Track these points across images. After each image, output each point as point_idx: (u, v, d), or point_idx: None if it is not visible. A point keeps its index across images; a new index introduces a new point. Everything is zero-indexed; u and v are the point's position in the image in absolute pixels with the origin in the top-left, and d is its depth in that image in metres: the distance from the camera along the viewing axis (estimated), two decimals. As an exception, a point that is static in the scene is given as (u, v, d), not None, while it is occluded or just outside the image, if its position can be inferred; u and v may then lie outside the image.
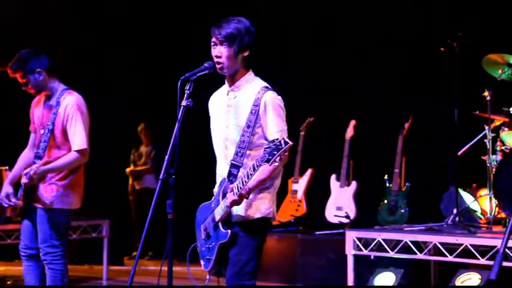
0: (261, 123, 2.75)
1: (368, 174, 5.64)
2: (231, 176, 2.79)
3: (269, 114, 2.76)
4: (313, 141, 6.08)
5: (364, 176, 5.70)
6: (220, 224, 2.80)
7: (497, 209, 4.57)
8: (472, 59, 4.72)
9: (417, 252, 4.36)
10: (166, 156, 2.83)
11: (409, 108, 5.50)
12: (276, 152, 2.55)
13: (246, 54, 2.83)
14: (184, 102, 2.83)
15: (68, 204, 3.68)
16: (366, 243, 4.50)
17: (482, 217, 4.87)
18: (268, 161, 2.57)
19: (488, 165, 4.65)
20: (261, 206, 2.81)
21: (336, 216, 5.79)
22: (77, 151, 3.62)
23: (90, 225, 5.79)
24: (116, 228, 6.05)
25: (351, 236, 4.49)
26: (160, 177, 2.82)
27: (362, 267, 4.72)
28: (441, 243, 4.26)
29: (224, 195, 2.80)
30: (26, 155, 3.79)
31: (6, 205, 3.65)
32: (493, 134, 4.67)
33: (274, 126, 2.75)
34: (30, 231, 3.67)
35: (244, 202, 2.77)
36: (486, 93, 4.62)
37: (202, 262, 2.93)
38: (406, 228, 4.64)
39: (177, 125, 2.85)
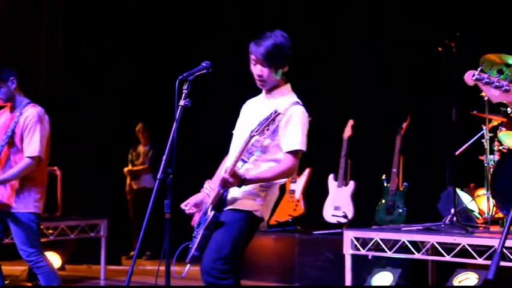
0: (279, 132, 2.84)
1: (366, 174, 5.64)
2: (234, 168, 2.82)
3: (291, 125, 2.85)
4: (311, 140, 6.07)
5: (362, 175, 5.70)
6: (209, 208, 2.84)
7: (494, 208, 4.58)
8: (470, 59, 4.72)
9: (415, 252, 4.35)
10: (164, 156, 2.84)
11: (407, 108, 5.50)
12: (264, 122, 2.70)
13: (285, 69, 2.92)
14: (182, 102, 2.87)
15: (39, 209, 3.89)
16: (364, 243, 4.49)
17: (480, 217, 4.88)
18: (257, 131, 2.70)
19: (485, 165, 4.66)
20: (252, 202, 2.86)
21: (333, 216, 5.79)
22: (30, 157, 3.79)
23: (88, 225, 5.79)
24: (114, 228, 6.03)
25: (349, 235, 4.49)
26: (158, 177, 2.84)
27: (360, 266, 4.71)
28: (439, 243, 4.25)
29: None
30: None
31: None
32: (490, 134, 4.67)
33: (294, 137, 2.85)
34: None
35: (239, 193, 2.81)
36: (484, 93, 4.62)
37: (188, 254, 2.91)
38: (403, 228, 4.64)
39: (175, 125, 2.86)
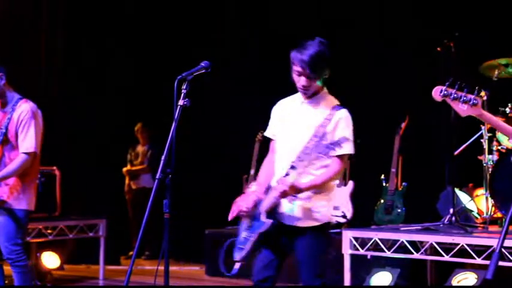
0: (327, 137, 2.91)
1: (365, 173, 5.63)
2: (287, 176, 2.90)
3: (339, 130, 2.93)
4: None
5: (361, 175, 5.69)
6: (263, 214, 2.90)
7: (493, 208, 4.58)
8: (468, 59, 4.72)
9: (414, 252, 4.35)
10: (163, 156, 2.84)
11: (406, 108, 5.49)
12: (335, 147, 2.79)
13: (326, 76, 2.99)
14: (181, 102, 2.89)
15: (28, 206, 3.86)
16: (363, 242, 4.49)
17: (479, 217, 4.87)
18: (326, 154, 2.80)
19: (484, 165, 4.66)
20: (322, 213, 2.97)
21: (332, 215, 5.77)
22: (25, 153, 3.79)
23: (86, 225, 5.78)
24: (113, 227, 6.03)
25: (348, 235, 4.49)
26: (157, 177, 2.84)
27: (359, 266, 4.70)
28: (437, 243, 4.25)
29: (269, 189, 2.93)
30: None
31: None
32: (489, 134, 4.67)
33: (344, 143, 2.88)
34: None
35: (301, 210, 2.90)
36: (482, 93, 4.61)
37: (234, 251, 3.02)
38: (402, 228, 4.63)
39: (173, 125, 2.86)
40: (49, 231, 5.56)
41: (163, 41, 7.13)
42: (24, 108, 3.81)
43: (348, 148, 2.90)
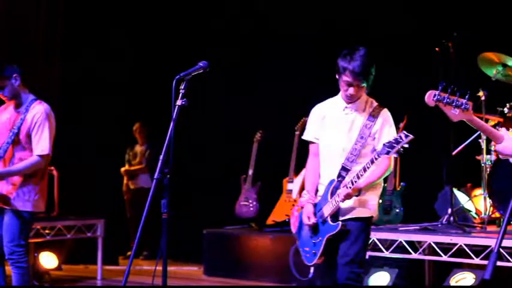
0: (374, 136, 3.10)
1: (363, 173, 5.61)
2: (340, 177, 3.08)
3: (385, 128, 3.13)
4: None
5: (360, 175, 5.67)
6: (329, 218, 3.05)
7: (491, 208, 4.57)
8: (467, 59, 4.71)
9: (412, 252, 4.35)
10: (161, 156, 2.84)
11: (404, 108, 5.48)
12: (396, 145, 2.86)
13: (371, 80, 3.16)
14: (179, 102, 2.90)
15: (34, 207, 3.84)
16: (361, 242, 4.48)
17: (477, 217, 4.86)
18: (388, 153, 2.87)
19: (482, 165, 4.65)
20: (370, 205, 3.12)
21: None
22: (39, 155, 3.78)
23: (84, 225, 5.76)
24: (111, 227, 6.01)
25: (346, 235, 4.47)
26: (155, 177, 2.84)
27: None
28: (436, 243, 4.25)
29: (332, 194, 3.06)
30: None
31: None
32: None
33: (389, 139, 3.03)
34: None
35: (355, 202, 3.07)
36: (481, 93, 4.62)
37: (304, 258, 3.18)
38: (400, 228, 4.63)
39: (171, 125, 2.86)
40: (47, 231, 5.54)
41: (161, 40, 7.11)
42: (38, 109, 3.80)
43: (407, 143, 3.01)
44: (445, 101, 2.61)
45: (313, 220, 3.11)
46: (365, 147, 3.06)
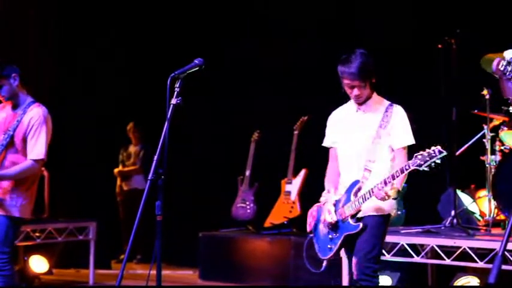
0: (389, 133, 3.18)
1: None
2: (363, 179, 3.16)
3: (400, 125, 3.21)
4: (307, 140, 5.98)
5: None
6: (349, 217, 3.15)
7: (496, 210, 4.53)
8: (470, 56, 4.63)
9: (414, 255, 4.32)
10: (155, 156, 2.81)
11: (406, 107, 5.40)
12: (428, 159, 2.93)
13: (374, 81, 3.24)
14: (173, 101, 2.89)
15: (21, 213, 3.74)
16: (362, 245, 4.41)
17: (481, 219, 4.84)
18: (419, 165, 2.94)
19: (487, 165, 4.62)
20: (388, 204, 3.19)
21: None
22: (34, 160, 3.71)
23: (76, 228, 5.71)
24: (103, 230, 5.95)
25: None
26: (149, 178, 2.82)
27: (357, 270, 4.63)
28: (439, 246, 4.22)
29: (356, 194, 3.14)
30: None
31: None
32: (492, 134, 4.64)
33: (404, 136, 3.21)
34: None
35: (376, 200, 3.13)
36: (485, 92, 4.58)
37: (319, 252, 3.28)
38: (402, 231, 4.58)
39: (166, 124, 2.83)
40: (37, 234, 5.47)
41: (155, 38, 7.05)
42: (35, 112, 3.72)
43: (410, 139, 3.20)
44: (508, 74, 2.67)
45: (334, 218, 3.20)
46: (382, 145, 3.15)
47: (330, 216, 3.19)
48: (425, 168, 2.95)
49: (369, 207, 3.15)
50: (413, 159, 2.97)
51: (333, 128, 3.36)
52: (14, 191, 3.68)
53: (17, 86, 3.75)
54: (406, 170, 2.99)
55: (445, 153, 2.92)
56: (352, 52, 3.17)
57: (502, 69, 2.67)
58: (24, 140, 3.70)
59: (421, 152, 2.96)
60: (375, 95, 3.27)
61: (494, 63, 2.70)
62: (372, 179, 3.12)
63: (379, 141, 3.15)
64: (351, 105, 3.32)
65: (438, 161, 2.93)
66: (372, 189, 3.05)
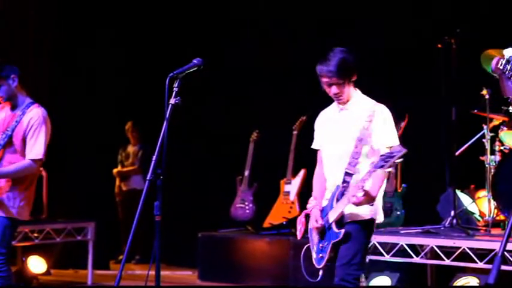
0: (373, 135, 3.06)
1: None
2: (345, 183, 3.06)
3: (382, 127, 3.08)
4: (306, 140, 5.96)
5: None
6: (333, 224, 3.07)
7: (496, 211, 4.53)
8: (470, 56, 4.63)
9: (413, 256, 4.31)
10: (154, 156, 2.80)
11: (405, 107, 5.39)
12: (389, 159, 2.83)
13: (354, 79, 3.13)
14: (172, 101, 2.88)
15: (18, 214, 3.73)
16: (361, 246, 4.40)
17: (481, 219, 4.84)
18: (382, 167, 2.85)
19: (486, 165, 4.61)
20: (371, 209, 3.10)
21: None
22: (33, 160, 3.71)
23: (74, 228, 5.68)
24: (101, 231, 5.92)
25: (346, 238, 4.38)
26: (148, 178, 2.80)
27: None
28: (438, 246, 4.21)
29: (338, 200, 3.06)
30: None
31: None
32: (491, 134, 4.63)
33: (387, 137, 3.08)
34: None
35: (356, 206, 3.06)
36: (484, 92, 4.57)
37: (315, 260, 3.21)
38: (402, 231, 4.58)
39: (165, 124, 2.82)
40: (35, 234, 5.45)
41: (155, 37, 7.03)
42: (35, 113, 3.73)
43: (395, 140, 3.06)
44: (508, 73, 2.63)
45: (320, 222, 3.13)
46: (365, 148, 3.05)
47: (315, 223, 3.12)
48: (390, 169, 2.88)
49: (349, 214, 3.08)
50: (378, 160, 2.88)
51: (319, 131, 3.27)
52: (12, 192, 3.67)
53: (16, 86, 3.75)
54: (371, 172, 2.88)
55: (405, 151, 2.82)
56: (330, 51, 3.09)
57: (501, 68, 2.63)
58: (24, 141, 3.70)
59: (384, 153, 2.89)
60: (358, 93, 3.16)
61: (493, 62, 2.66)
62: (354, 183, 3.02)
63: (362, 142, 3.04)
64: (335, 105, 3.24)
65: (399, 160, 2.84)
66: (348, 197, 2.98)
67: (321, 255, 3.12)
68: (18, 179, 3.70)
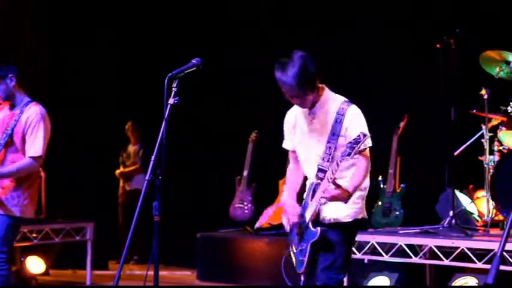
0: (345, 132, 2.96)
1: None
2: (319, 179, 2.96)
3: (355, 124, 2.96)
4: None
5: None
6: (310, 223, 2.97)
7: (494, 211, 4.52)
8: (469, 56, 4.63)
9: (412, 256, 4.31)
10: (153, 156, 2.80)
11: (404, 107, 5.40)
12: (355, 146, 2.75)
13: (318, 83, 2.99)
14: (171, 101, 2.87)
15: (21, 213, 3.76)
16: (360, 246, 4.43)
17: (479, 219, 4.83)
18: (349, 154, 2.76)
19: (485, 165, 4.61)
20: (353, 211, 3.01)
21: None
22: (32, 157, 3.73)
23: (73, 228, 5.68)
24: (100, 231, 5.91)
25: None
26: (146, 178, 2.81)
27: (355, 271, 4.63)
28: (437, 247, 4.21)
29: (312, 197, 2.97)
30: None
31: None
32: (490, 134, 4.62)
33: (358, 129, 2.92)
34: None
35: (339, 206, 2.96)
36: (483, 92, 4.56)
37: (295, 265, 3.10)
38: (400, 231, 4.58)
39: (163, 124, 2.82)
40: (34, 234, 5.45)
41: (153, 37, 7.03)
42: (33, 111, 3.76)
43: (367, 142, 2.88)
44: None
45: (295, 219, 3.01)
46: (339, 142, 2.95)
47: (285, 220, 3.04)
48: (356, 156, 2.76)
49: (329, 217, 2.99)
50: (343, 149, 2.80)
51: (290, 130, 3.15)
52: (14, 191, 3.70)
53: (14, 86, 3.77)
54: (340, 162, 2.80)
55: (368, 136, 2.77)
56: (289, 57, 2.91)
57: None
58: (24, 139, 3.74)
59: (350, 141, 2.80)
60: (326, 92, 3.01)
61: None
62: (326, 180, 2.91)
63: (334, 139, 2.94)
64: None
65: (364, 146, 2.78)
66: (320, 192, 2.88)
67: (301, 258, 3.02)
68: (21, 178, 3.72)
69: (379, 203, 5.38)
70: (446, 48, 4.52)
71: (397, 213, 5.21)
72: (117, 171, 7.06)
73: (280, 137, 6.74)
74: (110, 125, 6.98)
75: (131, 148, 7.12)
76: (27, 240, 5.36)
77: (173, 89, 2.85)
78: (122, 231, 6.89)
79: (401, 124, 5.41)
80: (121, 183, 7.07)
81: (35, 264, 5.62)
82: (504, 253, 3.84)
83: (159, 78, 3.03)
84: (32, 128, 3.72)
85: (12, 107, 3.80)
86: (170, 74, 2.85)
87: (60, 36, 6.92)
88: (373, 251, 4.40)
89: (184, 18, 6.94)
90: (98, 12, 6.98)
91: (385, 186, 5.39)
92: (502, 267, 3.75)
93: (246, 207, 6.11)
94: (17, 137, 3.72)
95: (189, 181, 6.68)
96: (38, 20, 6.91)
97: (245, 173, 6.18)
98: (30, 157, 3.71)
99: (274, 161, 6.22)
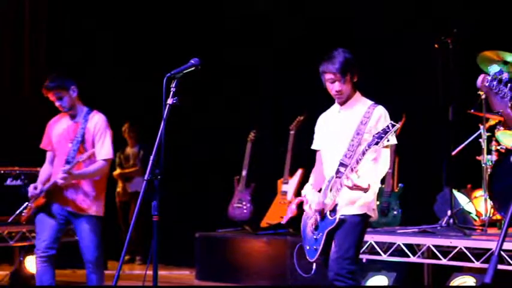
0: (370, 130, 3.11)
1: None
2: (339, 173, 3.10)
3: (381, 121, 3.15)
4: (304, 140, 5.96)
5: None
6: (328, 213, 3.10)
7: (492, 210, 4.53)
8: (466, 56, 4.64)
9: (410, 255, 4.32)
10: (152, 157, 2.83)
11: (402, 107, 5.40)
12: (384, 135, 2.87)
13: (356, 80, 3.24)
14: (170, 101, 2.90)
15: (103, 213, 4.13)
16: (358, 246, 4.40)
17: (477, 219, 4.84)
18: (377, 143, 2.88)
19: (483, 165, 4.61)
20: (365, 203, 3.14)
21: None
22: (104, 160, 4.04)
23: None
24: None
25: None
26: (145, 178, 2.84)
27: (354, 270, 4.63)
28: (435, 246, 4.22)
29: (331, 189, 3.10)
30: (46, 170, 4.16)
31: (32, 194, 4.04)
32: (488, 134, 4.63)
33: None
34: (55, 230, 4.15)
35: (351, 199, 3.09)
36: (481, 92, 4.55)
37: (307, 254, 3.22)
38: (399, 231, 4.59)
39: (162, 124, 2.84)
40: (33, 234, 5.39)
41: (152, 37, 7.03)
42: (98, 119, 4.05)
43: (393, 139, 3.00)
44: (495, 88, 2.59)
45: (314, 207, 3.14)
46: (362, 143, 3.09)
47: (308, 206, 3.17)
48: (386, 142, 2.89)
49: (344, 206, 3.11)
50: (371, 138, 2.93)
51: (319, 131, 3.37)
52: (95, 192, 4.01)
53: (75, 97, 4.02)
54: (366, 150, 2.93)
55: (398, 125, 2.92)
56: (335, 49, 3.22)
57: (487, 85, 2.59)
58: (93, 145, 4.01)
59: (378, 130, 2.95)
60: (357, 94, 3.26)
61: (479, 80, 2.62)
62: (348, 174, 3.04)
63: (359, 138, 3.11)
64: (335, 106, 3.34)
65: (392, 137, 2.90)
66: (341, 179, 3.02)
67: (315, 246, 3.14)
68: (98, 180, 4.02)
69: (377, 202, 5.39)
70: (444, 48, 4.53)
71: (395, 212, 5.22)
72: (115, 173, 7.05)
73: (279, 137, 6.74)
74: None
75: (129, 150, 7.07)
76: (26, 239, 5.34)
77: (172, 89, 2.87)
78: (123, 232, 6.88)
79: (400, 124, 5.41)
80: (120, 184, 7.05)
81: (34, 264, 5.62)
82: (502, 252, 3.84)
83: (158, 78, 3.04)
84: (100, 134, 4.00)
85: (73, 117, 4.04)
86: (169, 74, 2.87)
87: (59, 36, 6.93)
88: (371, 250, 4.41)
89: (183, 18, 6.94)
90: (96, 12, 6.99)
91: (383, 186, 5.39)
92: (500, 267, 3.77)
93: (244, 207, 6.12)
94: (88, 144, 3.99)
95: (188, 181, 6.68)
96: (37, 20, 6.91)
97: (244, 172, 6.18)
98: (102, 160, 3.98)
99: (272, 160, 6.25)
